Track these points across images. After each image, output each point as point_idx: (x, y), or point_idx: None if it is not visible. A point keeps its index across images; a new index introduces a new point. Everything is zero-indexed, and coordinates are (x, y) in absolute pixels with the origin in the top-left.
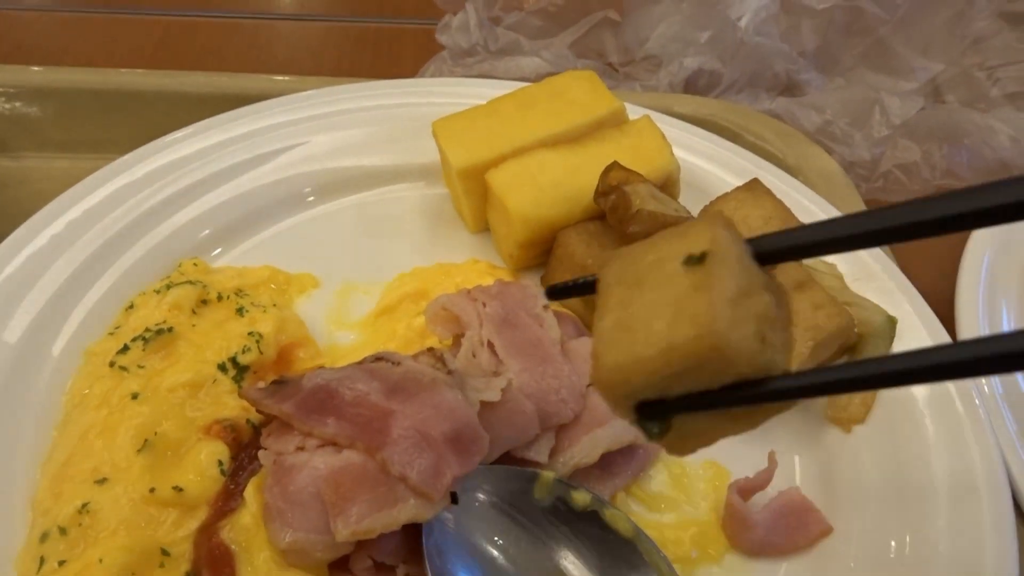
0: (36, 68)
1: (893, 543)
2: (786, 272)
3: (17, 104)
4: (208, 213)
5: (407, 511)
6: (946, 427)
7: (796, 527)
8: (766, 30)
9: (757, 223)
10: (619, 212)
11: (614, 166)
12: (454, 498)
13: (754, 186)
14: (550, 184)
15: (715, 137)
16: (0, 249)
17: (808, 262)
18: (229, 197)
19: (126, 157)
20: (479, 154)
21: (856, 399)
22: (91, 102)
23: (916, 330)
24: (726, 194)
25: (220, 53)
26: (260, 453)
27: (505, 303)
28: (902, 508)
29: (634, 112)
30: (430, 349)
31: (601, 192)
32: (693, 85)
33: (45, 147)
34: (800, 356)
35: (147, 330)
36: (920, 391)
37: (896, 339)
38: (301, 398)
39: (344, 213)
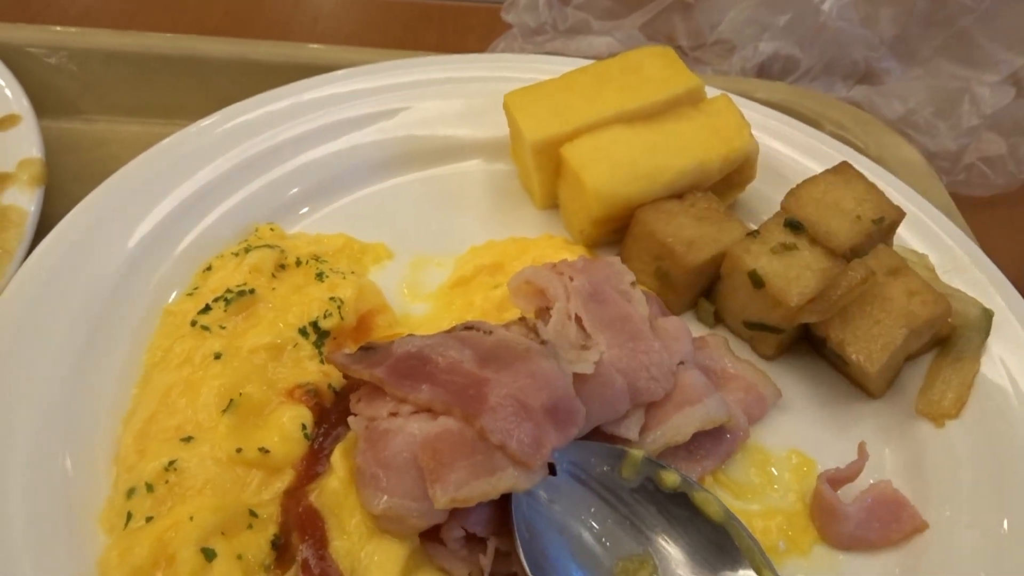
0: (109, 32)
1: (990, 541)
2: (879, 257)
3: (89, 68)
4: (296, 172)
5: (506, 480)
6: None
7: (889, 521)
8: (847, 15)
9: (850, 205)
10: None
11: None
12: (552, 469)
13: (843, 169)
14: (627, 161)
15: (794, 121)
16: (78, 209)
17: (898, 252)
18: (317, 157)
19: (205, 121)
20: (553, 128)
21: (949, 393)
22: (163, 67)
23: (1010, 324)
24: (814, 177)
25: (285, 25)
26: (350, 419)
27: (592, 278)
28: (1000, 505)
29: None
30: (522, 319)
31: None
32: (767, 71)
33: (116, 111)
34: (892, 345)
35: (228, 291)
36: (1014, 387)
37: (991, 333)
38: (392, 363)
39: (413, 187)
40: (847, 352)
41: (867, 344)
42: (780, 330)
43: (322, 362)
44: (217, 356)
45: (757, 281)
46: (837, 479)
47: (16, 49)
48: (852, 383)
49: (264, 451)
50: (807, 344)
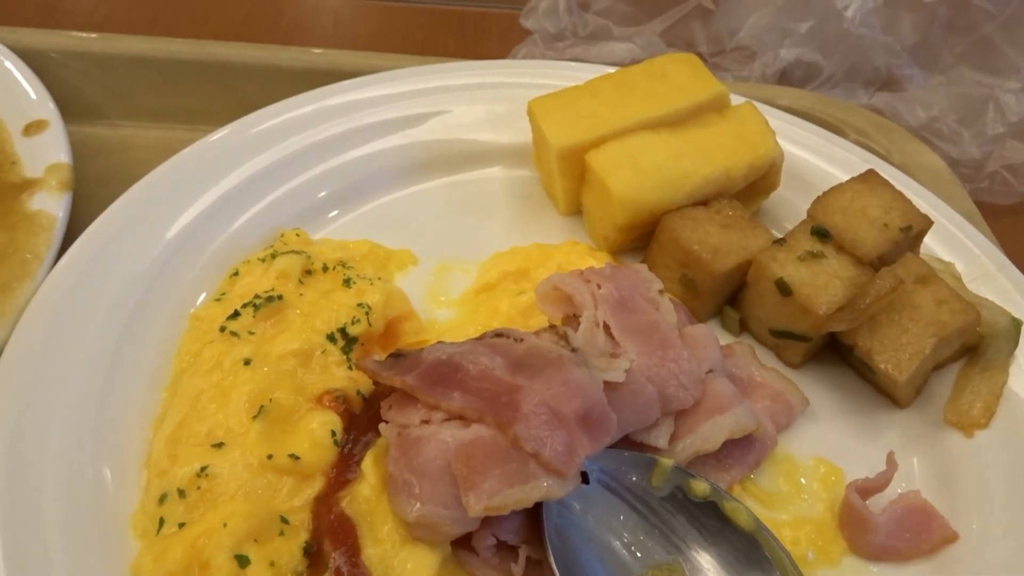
0: (133, 38)
1: (1022, 554)
2: (907, 266)
3: (113, 73)
4: (320, 178)
5: (540, 488)
6: None
7: (919, 532)
8: (870, 22)
9: (876, 213)
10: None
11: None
12: (585, 478)
13: (870, 177)
14: (652, 167)
15: (818, 129)
16: (107, 214)
17: (925, 260)
18: (341, 163)
19: (230, 126)
20: (578, 135)
21: (978, 403)
22: (186, 73)
23: None
24: (840, 185)
25: (307, 31)
26: (382, 426)
27: (620, 285)
28: None
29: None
30: (552, 326)
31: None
32: (788, 77)
33: (140, 116)
34: (920, 354)
35: (257, 297)
36: None
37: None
38: (423, 370)
39: (436, 193)
40: (875, 361)
41: (895, 353)
42: (807, 338)
43: (351, 368)
44: (247, 362)
45: (784, 289)
46: (866, 489)
47: (41, 54)
48: (879, 392)
49: (295, 457)
50: (833, 352)
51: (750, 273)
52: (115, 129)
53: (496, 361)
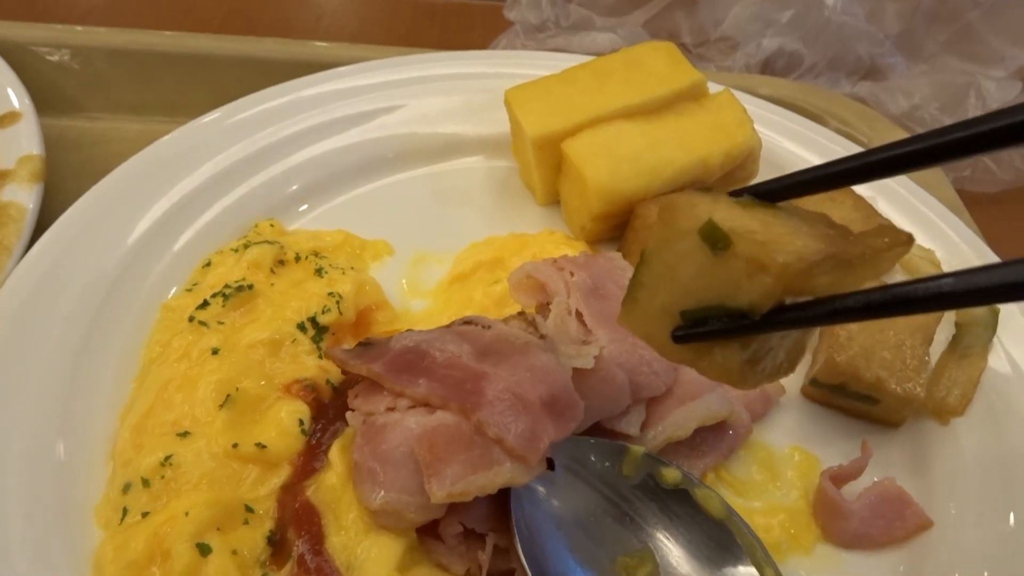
0: (112, 30)
1: (996, 540)
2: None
3: (91, 66)
4: (296, 169)
5: (503, 474)
6: None
7: (892, 519)
8: (852, 11)
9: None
10: None
11: None
12: (550, 464)
13: None
14: (628, 156)
15: (797, 117)
16: (77, 205)
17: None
18: (317, 154)
19: (206, 117)
20: (554, 123)
21: (955, 390)
22: (165, 65)
23: (1016, 320)
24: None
25: (289, 24)
26: (348, 414)
27: (592, 273)
28: (1007, 504)
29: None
30: (521, 313)
31: None
32: (771, 67)
33: (118, 109)
34: (927, 362)
35: (227, 286)
36: (1022, 384)
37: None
38: (390, 358)
39: (413, 183)
40: (887, 387)
41: (902, 371)
42: (751, 318)
43: (320, 357)
44: (215, 351)
45: (717, 240)
46: (840, 476)
47: (18, 46)
48: (874, 423)
49: (261, 446)
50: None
51: (653, 238)
52: (93, 122)
53: (463, 348)
